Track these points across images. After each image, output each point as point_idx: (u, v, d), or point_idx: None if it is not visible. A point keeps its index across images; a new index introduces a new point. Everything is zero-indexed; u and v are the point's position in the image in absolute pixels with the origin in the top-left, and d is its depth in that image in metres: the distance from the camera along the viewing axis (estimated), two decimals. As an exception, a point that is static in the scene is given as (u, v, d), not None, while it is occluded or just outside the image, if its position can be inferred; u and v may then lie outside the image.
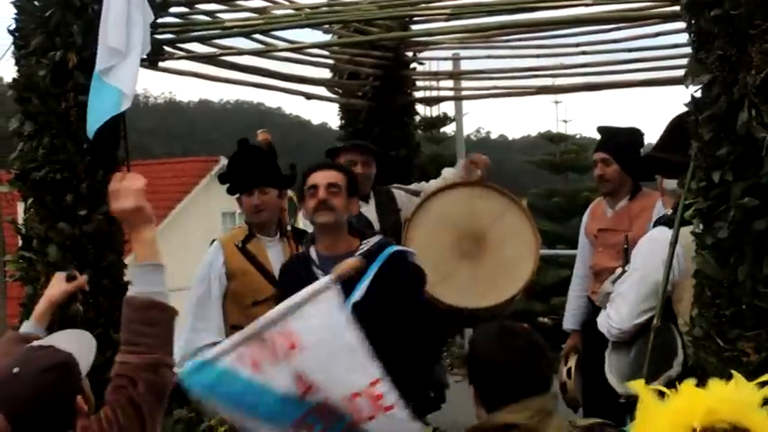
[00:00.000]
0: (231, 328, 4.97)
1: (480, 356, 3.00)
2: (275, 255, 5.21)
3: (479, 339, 3.07)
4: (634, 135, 5.78)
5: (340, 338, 3.73)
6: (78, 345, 3.21)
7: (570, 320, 6.03)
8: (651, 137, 5.31)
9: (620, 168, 5.65)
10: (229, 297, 5.17)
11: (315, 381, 3.72)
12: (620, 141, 5.70)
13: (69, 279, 3.85)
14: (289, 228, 5.40)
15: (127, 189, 3.21)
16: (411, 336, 4.27)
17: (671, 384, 1.90)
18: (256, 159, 5.23)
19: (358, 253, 4.26)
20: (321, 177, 4.50)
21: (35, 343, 3.26)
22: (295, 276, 4.41)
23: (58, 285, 3.83)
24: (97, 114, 4.87)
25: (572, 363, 5.82)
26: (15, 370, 2.88)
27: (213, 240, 5.33)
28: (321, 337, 3.74)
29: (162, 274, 3.21)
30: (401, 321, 4.23)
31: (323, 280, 3.93)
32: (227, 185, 5.28)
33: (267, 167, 5.24)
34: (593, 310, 5.83)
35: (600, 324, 4.54)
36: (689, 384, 1.75)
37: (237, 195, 5.25)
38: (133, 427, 2.95)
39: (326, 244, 4.47)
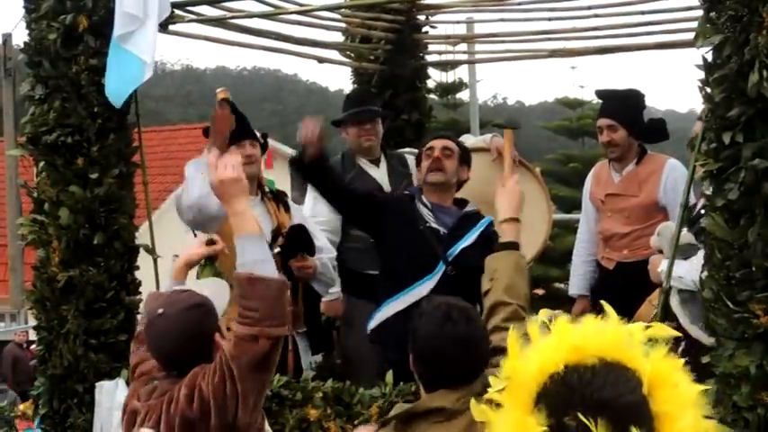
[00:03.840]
0: None
1: (420, 339, 3.05)
2: (260, 216, 5.01)
3: (424, 319, 3.08)
4: (637, 98, 5.71)
5: None
6: (214, 290, 3.47)
7: (577, 286, 5.96)
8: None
9: (628, 133, 5.60)
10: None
11: None
12: (624, 106, 5.63)
13: (209, 243, 3.96)
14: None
15: (227, 161, 3.36)
16: None
17: None
18: (240, 112, 5.17)
19: (467, 208, 4.93)
20: (438, 142, 5.04)
21: (176, 288, 3.59)
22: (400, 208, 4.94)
23: (197, 247, 3.97)
24: (120, 83, 4.88)
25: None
26: (160, 311, 3.23)
27: None
28: None
29: (260, 242, 3.31)
30: None
31: None
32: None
33: (248, 122, 5.18)
34: (601, 274, 5.81)
35: (657, 269, 4.50)
36: (561, 321, 1.73)
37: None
38: (221, 386, 3.11)
39: (434, 199, 4.93)
